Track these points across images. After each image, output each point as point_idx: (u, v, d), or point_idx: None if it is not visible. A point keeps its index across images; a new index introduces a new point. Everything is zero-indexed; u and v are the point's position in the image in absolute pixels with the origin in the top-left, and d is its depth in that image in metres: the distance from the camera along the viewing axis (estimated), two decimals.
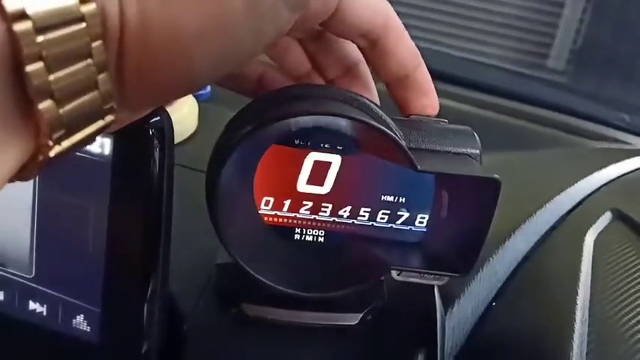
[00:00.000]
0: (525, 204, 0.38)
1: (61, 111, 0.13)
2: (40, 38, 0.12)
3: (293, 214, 0.25)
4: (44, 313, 0.25)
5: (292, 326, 0.26)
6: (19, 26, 0.11)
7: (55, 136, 0.13)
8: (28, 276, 0.25)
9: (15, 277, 0.25)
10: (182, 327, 0.27)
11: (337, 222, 0.25)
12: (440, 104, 0.25)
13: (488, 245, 0.30)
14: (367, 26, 0.22)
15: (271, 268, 0.24)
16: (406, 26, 0.24)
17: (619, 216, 0.35)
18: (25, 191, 0.23)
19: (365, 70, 0.26)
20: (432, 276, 0.25)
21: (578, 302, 0.27)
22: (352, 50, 0.26)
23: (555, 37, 1.76)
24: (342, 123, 0.22)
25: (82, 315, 0.24)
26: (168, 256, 0.23)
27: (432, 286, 0.29)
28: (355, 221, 0.25)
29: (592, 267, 0.30)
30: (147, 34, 0.14)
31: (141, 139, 0.21)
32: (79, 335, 0.24)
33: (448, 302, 0.30)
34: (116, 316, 0.24)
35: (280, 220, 0.25)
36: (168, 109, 0.22)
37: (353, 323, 0.27)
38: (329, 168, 0.24)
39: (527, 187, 0.41)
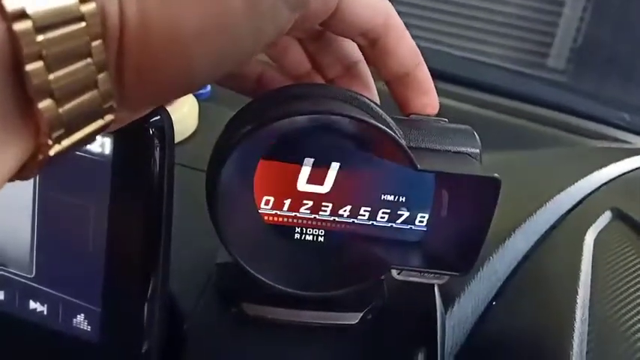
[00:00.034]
0: (525, 203, 0.38)
1: (60, 110, 0.13)
2: (39, 37, 0.12)
3: (293, 214, 0.25)
4: (45, 313, 0.25)
5: (292, 325, 0.26)
6: (19, 25, 0.12)
7: (55, 135, 0.13)
8: (28, 275, 0.25)
9: (15, 277, 0.25)
10: (182, 326, 0.27)
11: (337, 221, 0.25)
12: (440, 103, 0.25)
13: (489, 244, 0.30)
14: (367, 25, 0.22)
15: (271, 268, 0.24)
16: (406, 25, 0.24)
17: (619, 215, 0.35)
18: (25, 191, 0.23)
19: (365, 69, 0.26)
20: (432, 275, 0.25)
21: (578, 301, 0.27)
22: (352, 49, 0.26)
23: (555, 36, 1.75)
24: (342, 122, 0.22)
25: (82, 314, 0.24)
26: (168, 255, 0.23)
27: (432, 285, 0.29)
28: (355, 220, 0.25)
29: (592, 266, 0.30)
30: (147, 34, 0.14)
31: (141, 139, 0.21)
32: (80, 335, 0.24)
33: (448, 301, 0.30)
34: (116, 315, 0.24)
35: (280, 219, 0.25)
36: (169, 108, 0.22)
37: (353, 322, 0.27)
38: (329, 167, 0.24)
39: (527, 187, 0.41)
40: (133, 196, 0.22)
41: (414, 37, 0.24)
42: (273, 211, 0.25)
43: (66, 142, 0.14)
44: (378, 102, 0.24)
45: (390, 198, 0.25)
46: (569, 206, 0.38)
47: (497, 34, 1.78)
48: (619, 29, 1.61)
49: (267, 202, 0.25)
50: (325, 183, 0.25)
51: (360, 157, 0.24)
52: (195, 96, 0.48)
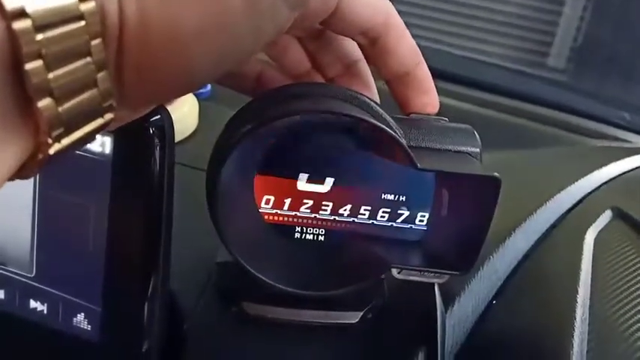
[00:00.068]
0: (526, 202, 0.38)
1: (60, 109, 0.13)
2: (39, 36, 0.12)
3: (293, 213, 0.25)
4: (45, 312, 0.25)
5: (293, 325, 0.26)
6: (19, 24, 0.12)
7: (55, 134, 0.13)
8: (28, 275, 0.25)
9: (15, 276, 0.25)
10: (182, 326, 0.27)
11: (337, 220, 0.25)
12: (440, 102, 0.25)
13: (489, 243, 0.30)
14: (367, 24, 0.22)
15: (272, 267, 0.24)
16: (406, 25, 0.24)
17: (619, 214, 0.35)
18: (25, 190, 0.23)
19: (365, 68, 0.26)
20: (433, 274, 0.25)
21: (578, 300, 0.27)
22: (352, 48, 0.26)
23: (556, 35, 1.75)
24: (342, 121, 0.22)
25: (82, 314, 0.24)
26: (168, 254, 0.23)
27: (433, 285, 0.29)
28: (355, 220, 0.25)
29: (592, 265, 0.30)
30: (146, 33, 0.14)
31: (141, 138, 0.21)
32: (80, 334, 0.24)
33: (449, 300, 0.30)
34: (117, 314, 0.24)
35: (280, 218, 0.25)
36: (169, 107, 0.22)
37: (353, 322, 0.27)
38: (324, 182, 0.24)
39: (527, 186, 0.41)
40: (134, 195, 0.22)
41: (414, 36, 0.24)
42: (274, 211, 0.25)
43: (65, 141, 0.14)
44: (378, 101, 0.24)
45: (391, 197, 0.25)
46: (569, 205, 0.38)
47: (497, 34, 1.78)
48: (619, 28, 1.61)
49: (267, 202, 0.25)
50: (325, 182, 0.25)
51: (360, 156, 0.24)
52: (196, 95, 0.48)
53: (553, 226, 0.36)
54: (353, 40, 0.24)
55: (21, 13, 0.12)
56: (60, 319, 0.25)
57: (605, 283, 0.28)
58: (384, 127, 0.21)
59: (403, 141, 0.22)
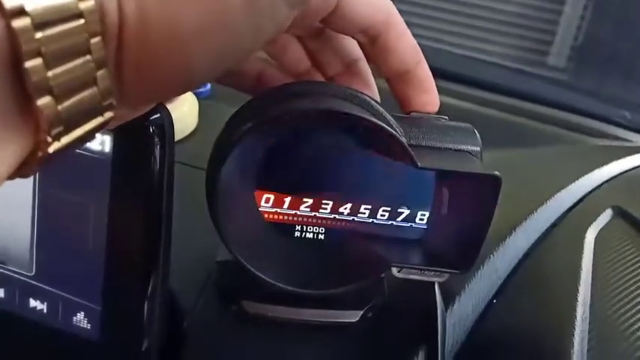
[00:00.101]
0: (526, 201, 0.37)
1: (59, 107, 0.13)
2: (38, 35, 0.12)
3: (293, 212, 0.25)
4: (44, 311, 0.25)
5: (292, 324, 0.26)
6: (18, 23, 0.11)
7: (54, 132, 0.13)
8: (28, 273, 0.25)
9: (15, 275, 0.25)
10: (182, 324, 0.27)
11: (337, 219, 0.25)
12: (440, 101, 0.25)
13: (489, 242, 0.30)
14: (367, 22, 0.22)
15: (271, 266, 0.24)
16: (407, 24, 0.24)
17: (620, 213, 0.35)
18: (25, 189, 0.23)
19: (365, 67, 0.26)
20: (433, 273, 0.25)
21: (578, 299, 0.27)
22: (352, 47, 0.26)
23: (556, 34, 1.75)
24: (342, 120, 0.22)
25: (82, 312, 0.24)
26: (168, 253, 0.23)
27: (433, 283, 0.29)
28: (355, 218, 0.25)
29: (593, 264, 0.30)
30: (145, 31, 0.14)
31: (141, 137, 0.21)
32: (80, 333, 0.24)
33: (449, 299, 0.30)
34: (116, 313, 0.24)
35: (280, 217, 0.25)
36: (169, 106, 0.22)
37: (353, 320, 0.27)
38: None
39: (527, 185, 0.41)
40: (133, 194, 0.22)
41: (414, 35, 0.24)
42: (274, 209, 0.25)
43: (65, 140, 0.14)
44: (379, 100, 0.24)
45: (391, 196, 0.25)
46: (569, 204, 0.38)
47: (497, 33, 1.78)
48: (619, 27, 1.61)
49: (267, 200, 0.25)
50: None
51: (361, 154, 0.24)
52: (196, 94, 0.48)
53: (553, 225, 0.36)
54: (353, 38, 0.24)
55: (20, 12, 0.12)
56: (60, 318, 0.25)
57: (606, 282, 0.28)
58: (384, 125, 0.21)
59: (403, 139, 0.22)
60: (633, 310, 0.26)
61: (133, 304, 0.23)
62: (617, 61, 1.52)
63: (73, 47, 0.13)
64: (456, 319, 0.30)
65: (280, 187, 0.25)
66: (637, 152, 0.47)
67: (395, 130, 0.22)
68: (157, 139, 0.21)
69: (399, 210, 0.25)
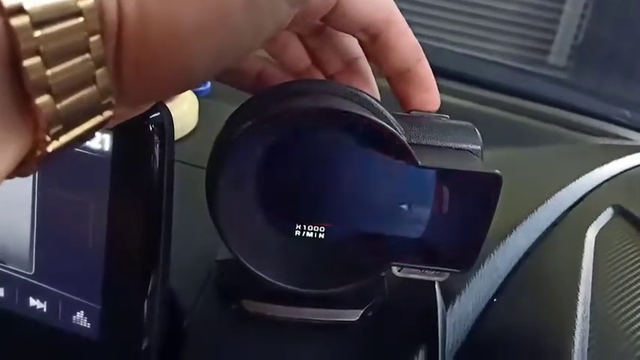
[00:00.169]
0: (526, 200, 0.37)
1: (58, 106, 0.13)
2: (37, 33, 0.12)
3: None
4: (44, 310, 0.25)
5: (293, 323, 0.26)
6: (17, 21, 0.11)
7: (53, 131, 0.13)
8: (28, 272, 0.25)
9: (15, 274, 0.25)
10: (182, 323, 0.27)
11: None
12: (441, 100, 0.25)
13: (489, 241, 0.30)
14: (368, 20, 0.22)
15: (271, 265, 0.24)
16: (408, 22, 0.24)
17: (620, 212, 0.35)
18: (24, 188, 0.23)
19: (365, 65, 0.26)
20: (433, 272, 0.24)
21: (579, 298, 0.27)
22: (352, 45, 0.26)
23: (557, 33, 1.75)
24: (343, 118, 0.22)
25: (82, 311, 0.24)
26: (168, 252, 0.23)
27: (433, 282, 0.28)
28: (356, 217, 0.25)
29: (593, 263, 0.30)
30: (145, 29, 0.14)
31: (141, 135, 0.21)
32: (79, 332, 0.24)
33: (449, 298, 0.30)
34: (116, 312, 0.24)
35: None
36: (169, 105, 0.22)
37: (353, 320, 0.27)
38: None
39: (528, 183, 0.41)
40: (133, 192, 0.22)
41: (415, 34, 0.24)
42: None
43: (64, 139, 0.14)
44: (379, 98, 0.24)
45: (391, 194, 0.25)
46: (570, 203, 0.38)
47: (498, 32, 1.78)
48: (620, 26, 1.61)
49: None
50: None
51: (361, 153, 0.24)
52: (195, 93, 0.48)
53: (554, 224, 0.36)
54: (354, 36, 0.24)
55: (19, 10, 0.11)
56: (59, 317, 0.25)
57: (607, 281, 0.28)
58: (384, 124, 0.21)
59: (404, 138, 0.21)
60: (634, 310, 0.26)
61: (133, 303, 0.23)
62: (617, 60, 1.51)
63: (72, 46, 0.13)
64: (457, 318, 0.30)
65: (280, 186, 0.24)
66: (637, 151, 0.47)
67: (395, 129, 0.22)
68: (156, 138, 0.21)
69: (400, 208, 0.25)
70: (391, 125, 0.22)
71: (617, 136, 0.61)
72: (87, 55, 0.13)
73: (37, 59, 0.12)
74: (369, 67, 0.27)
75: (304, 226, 0.26)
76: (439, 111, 0.25)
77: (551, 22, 1.75)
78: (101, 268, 0.23)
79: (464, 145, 0.23)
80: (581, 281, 0.28)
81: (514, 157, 0.47)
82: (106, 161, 0.22)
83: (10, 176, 0.14)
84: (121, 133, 0.22)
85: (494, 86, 0.66)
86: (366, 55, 0.26)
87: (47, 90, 0.13)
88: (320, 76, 0.27)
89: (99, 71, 0.14)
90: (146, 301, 0.23)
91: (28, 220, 0.24)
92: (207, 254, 0.28)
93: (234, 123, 0.22)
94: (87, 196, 0.23)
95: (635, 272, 0.29)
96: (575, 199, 0.38)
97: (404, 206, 0.25)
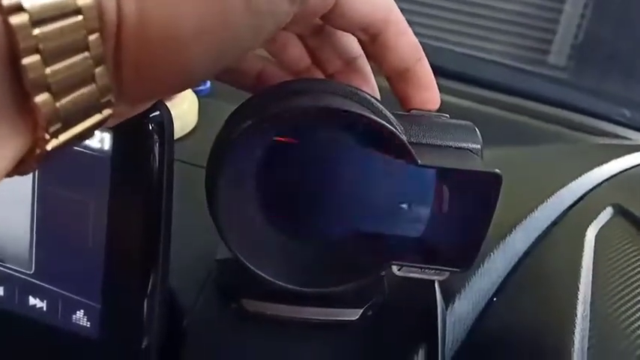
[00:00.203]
0: (526, 199, 0.37)
1: (57, 104, 0.13)
2: (36, 31, 0.12)
3: None
4: (44, 309, 0.25)
5: (292, 322, 0.26)
6: (16, 19, 0.11)
7: (52, 129, 0.13)
8: (27, 271, 0.25)
9: (15, 273, 0.25)
10: (182, 322, 0.27)
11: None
12: (441, 100, 0.25)
13: (489, 240, 0.30)
14: (367, 20, 0.22)
15: (271, 264, 0.24)
16: (408, 22, 0.24)
17: (620, 211, 0.35)
18: (24, 187, 0.23)
19: (365, 64, 0.26)
20: (433, 271, 0.24)
21: (579, 297, 0.27)
22: (352, 45, 0.26)
23: (556, 32, 1.75)
24: (342, 117, 0.22)
25: (81, 310, 0.24)
26: (168, 251, 0.23)
27: (433, 282, 0.28)
28: (356, 216, 0.25)
29: (593, 262, 0.30)
30: (144, 31, 0.14)
31: (140, 134, 0.21)
32: (79, 331, 0.24)
33: (449, 297, 0.30)
34: (116, 311, 0.24)
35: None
36: (168, 104, 0.22)
37: (353, 319, 0.27)
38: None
39: (528, 183, 0.41)
40: (133, 191, 0.22)
41: (415, 34, 0.24)
42: None
43: (63, 137, 0.14)
44: (379, 97, 0.24)
45: (391, 194, 0.25)
46: (570, 202, 0.38)
47: (498, 31, 1.78)
48: (620, 26, 1.61)
49: None
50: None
51: (361, 152, 0.24)
52: (195, 92, 0.48)
53: (554, 223, 0.36)
54: (354, 36, 0.24)
55: (18, 8, 0.11)
56: (59, 316, 0.25)
57: (606, 280, 0.28)
58: (384, 123, 0.21)
59: (404, 137, 0.21)
60: (634, 309, 0.26)
61: (133, 301, 0.23)
62: (617, 60, 1.52)
63: (71, 44, 0.13)
64: (456, 317, 0.30)
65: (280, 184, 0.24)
66: (637, 150, 0.47)
67: (395, 128, 0.22)
68: (156, 137, 0.21)
69: (400, 207, 0.25)
70: (391, 124, 0.22)
71: (617, 136, 0.61)
72: (86, 54, 0.13)
73: (36, 57, 0.12)
74: (369, 67, 0.27)
75: (304, 225, 0.26)
76: (439, 110, 0.25)
77: (551, 21, 1.75)
78: (101, 267, 0.23)
79: (464, 145, 0.23)
80: (581, 280, 0.28)
81: (514, 157, 0.47)
82: (106, 160, 0.22)
83: (9, 175, 0.14)
84: (120, 131, 0.22)
85: (494, 86, 0.66)
86: (365, 55, 0.26)
87: (46, 88, 0.13)
88: (320, 75, 0.27)
89: (98, 69, 0.14)
90: (146, 300, 0.23)
91: (28, 219, 0.24)
92: (206, 253, 0.28)
93: (234, 122, 0.22)
94: (87, 195, 0.22)
95: (635, 271, 0.29)
96: (575, 199, 0.38)
97: (404, 205, 0.25)
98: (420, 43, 0.24)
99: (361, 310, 0.27)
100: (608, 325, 0.26)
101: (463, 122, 0.24)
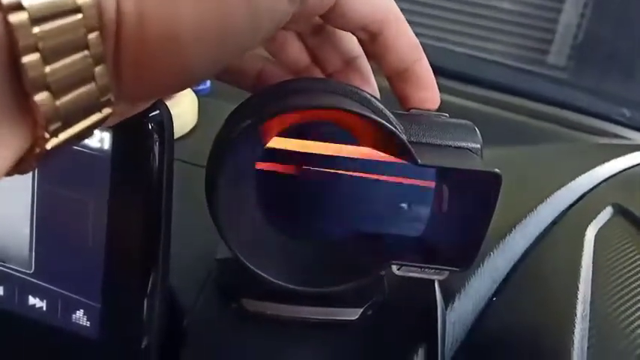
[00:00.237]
0: (526, 199, 0.37)
1: (57, 103, 0.13)
2: (35, 29, 0.12)
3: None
4: (44, 309, 0.25)
5: (292, 321, 0.26)
6: (15, 17, 0.11)
7: (52, 128, 0.13)
8: (27, 271, 0.25)
9: (14, 272, 0.25)
10: (182, 322, 0.27)
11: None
12: (441, 99, 0.25)
13: (489, 240, 0.30)
14: (366, 20, 0.22)
15: (271, 264, 0.24)
16: (408, 22, 0.24)
17: (620, 211, 0.35)
18: (24, 186, 0.23)
19: (364, 63, 0.26)
20: (433, 271, 0.24)
21: (578, 297, 0.27)
22: (352, 44, 0.26)
23: (556, 32, 1.75)
24: (342, 116, 0.22)
25: (81, 310, 0.24)
26: (168, 250, 0.23)
27: (433, 281, 0.28)
28: (356, 216, 0.25)
29: (593, 262, 0.30)
30: (143, 32, 0.14)
31: (140, 134, 0.21)
32: (79, 330, 0.24)
33: (448, 297, 0.30)
34: (116, 310, 0.24)
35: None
36: (168, 103, 0.22)
37: (353, 318, 0.27)
38: None
39: (527, 182, 0.41)
40: (133, 191, 0.22)
41: (415, 34, 0.24)
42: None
43: (63, 136, 0.14)
44: (379, 97, 0.24)
45: (391, 193, 0.25)
46: (569, 202, 0.38)
47: (497, 31, 1.78)
48: (619, 26, 1.61)
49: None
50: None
51: (360, 151, 0.24)
52: (195, 91, 0.48)
53: (553, 223, 0.36)
54: (354, 35, 0.24)
55: (17, 6, 0.11)
56: (59, 316, 0.24)
57: (606, 280, 0.28)
58: (384, 122, 0.21)
59: (403, 136, 0.21)
60: (633, 308, 0.26)
61: (133, 301, 0.23)
62: (616, 60, 1.52)
63: (70, 42, 0.13)
64: (456, 317, 0.30)
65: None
66: (637, 150, 0.47)
67: (395, 127, 0.22)
68: (156, 136, 0.21)
69: (400, 208, 0.25)
70: (391, 124, 0.22)
71: (617, 135, 0.61)
72: (86, 52, 0.13)
73: (35, 56, 0.12)
74: (369, 66, 0.27)
75: (304, 225, 0.26)
76: (439, 110, 0.25)
77: (551, 21, 1.75)
78: (101, 267, 0.23)
79: (463, 144, 0.23)
80: (581, 280, 0.28)
81: (513, 156, 0.47)
82: (106, 159, 0.22)
83: (9, 173, 0.14)
84: (120, 131, 0.22)
85: (494, 85, 0.66)
86: (365, 54, 0.26)
87: (46, 87, 0.13)
88: (319, 74, 0.27)
89: (98, 68, 0.14)
90: (146, 300, 0.23)
91: (28, 219, 0.24)
92: (206, 253, 0.28)
93: (234, 121, 0.22)
94: (86, 195, 0.22)
95: (635, 271, 0.29)
96: (574, 198, 0.38)
97: (404, 205, 0.25)
98: (421, 43, 0.24)
99: (361, 310, 0.27)
100: (608, 325, 0.26)
101: (463, 122, 0.24)
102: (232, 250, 0.23)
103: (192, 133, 0.45)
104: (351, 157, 0.24)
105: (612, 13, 1.65)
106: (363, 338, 0.27)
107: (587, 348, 0.25)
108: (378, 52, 0.24)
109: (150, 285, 0.23)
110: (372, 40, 0.23)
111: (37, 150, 0.13)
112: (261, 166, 0.24)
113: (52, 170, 0.23)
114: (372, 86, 0.27)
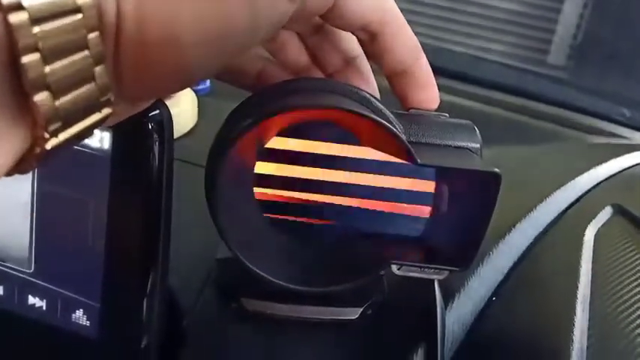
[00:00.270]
0: (525, 199, 0.37)
1: (57, 103, 0.13)
2: (35, 29, 0.12)
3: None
4: (43, 308, 0.25)
5: (292, 321, 0.26)
6: (15, 17, 0.11)
7: (52, 128, 0.13)
8: (27, 271, 0.25)
9: (14, 272, 0.25)
10: (182, 322, 0.27)
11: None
12: (440, 99, 0.25)
13: (489, 240, 0.30)
14: (366, 20, 0.22)
15: (271, 263, 0.24)
16: (407, 22, 0.24)
17: (619, 211, 0.35)
18: (24, 186, 0.23)
19: (364, 63, 0.26)
20: (432, 270, 0.24)
21: (578, 297, 0.27)
22: (352, 44, 0.26)
23: (556, 32, 1.75)
24: (342, 116, 0.22)
25: (81, 310, 0.24)
26: (167, 250, 0.23)
27: (432, 281, 0.28)
28: (355, 216, 0.25)
29: (592, 262, 0.30)
30: (143, 33, 0.14)
31: (140, 133, 0.21)
32: (79, 330, 0.24)
33: (448, 297, 0.30)
34: (116, 310, 0.24)
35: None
36: (168, 103, 0.22)
37: (353, 318, 0.27)
38: None
39: (527, 182, 0.41)
40: (132, 190, 0.22)
41: (415, 34, 0.24)
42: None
43: (63, 136, 0.14)
44: (379, 97, 0.24)
45: (390, 192, 0.25)
46: (569, 202, 0.38)
47: (497, 31, 1.78)
48: (619, 26, 1.61)
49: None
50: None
51: (360, 151, 0.24)
52: (195, 91, 0.48)
53: (553, 223, 0.36)
54: (354, 35, 0.24)
55: (17, 6, 0.11)
56: (59, 315, 0.24)
57: (606, 280, 0.28)
58: (383, 122, 0.21)
59: (403, 136, 0.21)
60: (633, 308, 0.26)
61: (132, 301, 0.23)
62: (616, 59, 1.52)
63: (70, 42, 0.13)
64: (456, 316, 0.30)
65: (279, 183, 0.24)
66: (636, 150, 0.47)
67: (395, 127, 0.22)
68: (156, 136, 0.21)
69: (399, 207, 0.25)
70: (390, 123, 0.22)
71: (616, 135, 0.61)
72: (86, 52, 0.13)
73: (35, 56, 0.12)
74: (369, 66, 0.27)
75: (304, 226, 0.26)
76: (439, 109, 0.25)
77: (551, 21, 1.76)
78: (100, 267, 0.23)
79: (463, 144, 0.23)
80: (580, 280, 0.28)
81: (513, 156, 0.47)
82: (106, 159, 0.22)
83: (9, 173, 0.14)
84: (120, 131, 0.22)
85: (494, 85, 0.66)
86: (365, 54, 0.26)
87: (46, 87, 0.13)
88: (319, 74, 0.27)
89: (98, 68, 0.14)
90: (145, 300, 0.23)
91: (28, 218, 0.24)
92: (206, 253, 0.28)
93: (234, 121, 0.22)
94: (86, 194, 0.22)
95: (634, 271, 0.29)
96: (574, 198, 0.38)
97: (403, 204, 0.25)
98: (421, 43, 0.24)
99: (361, 310, 0.27)
100: (608, 324, 0.26)
101: (463, 121, 0.24)
102: (232, 250, 0.23)
103: (192, 133, 0.45)
104: (351, 157, 0.24)
105: (612, 13, 1.65)
106: (363, 338, 0.27)
107: (587, 347, 0.25)
108: (378, 52, 0.24)
109: (149, 285, 0.23)
110: (371, 40, 0.23)
111: (37, 150, 0.13)
112: (261, 166, 0.24)
113: (52, 170, 0.23)
114: (372, 86, 0.27)
